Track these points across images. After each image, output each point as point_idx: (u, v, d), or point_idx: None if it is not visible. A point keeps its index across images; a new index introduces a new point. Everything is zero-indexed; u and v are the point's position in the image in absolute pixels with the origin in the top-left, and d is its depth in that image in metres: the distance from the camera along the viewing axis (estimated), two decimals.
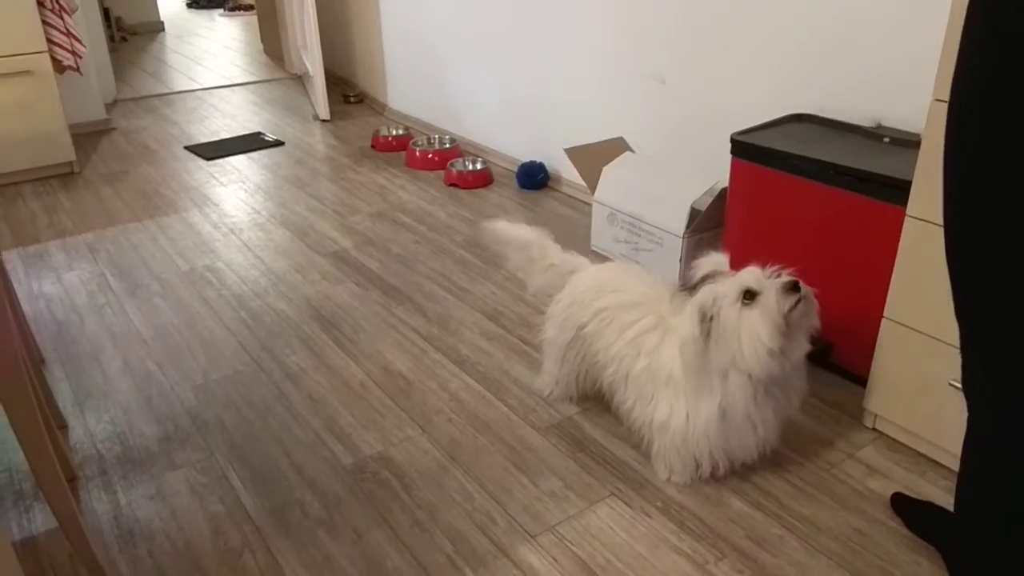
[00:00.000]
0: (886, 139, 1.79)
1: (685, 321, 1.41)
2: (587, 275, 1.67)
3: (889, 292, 1.50)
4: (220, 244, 2.59)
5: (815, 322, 1.38)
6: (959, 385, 1.40)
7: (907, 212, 1.43)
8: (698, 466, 1.50)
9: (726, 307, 1.36)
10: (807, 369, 1.45)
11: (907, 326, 1.49)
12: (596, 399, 1.74)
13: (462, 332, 2.06)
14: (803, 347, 1.38)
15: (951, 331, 1.42)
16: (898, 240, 1.46)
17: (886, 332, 1.53)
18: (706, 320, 1.37)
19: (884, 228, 1.61)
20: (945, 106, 1.32)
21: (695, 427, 1.43)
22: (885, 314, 1.52)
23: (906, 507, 1.43)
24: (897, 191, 1.53)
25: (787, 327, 1.33)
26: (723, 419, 1.41)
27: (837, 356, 1.82)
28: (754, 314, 1.33)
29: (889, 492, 1.48)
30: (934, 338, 1.45)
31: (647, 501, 1.48)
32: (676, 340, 1.44)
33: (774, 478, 1.53)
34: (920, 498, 1.44)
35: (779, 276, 1.36)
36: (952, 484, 1.50)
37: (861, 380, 1.69)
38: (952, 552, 1.30)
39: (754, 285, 1.35)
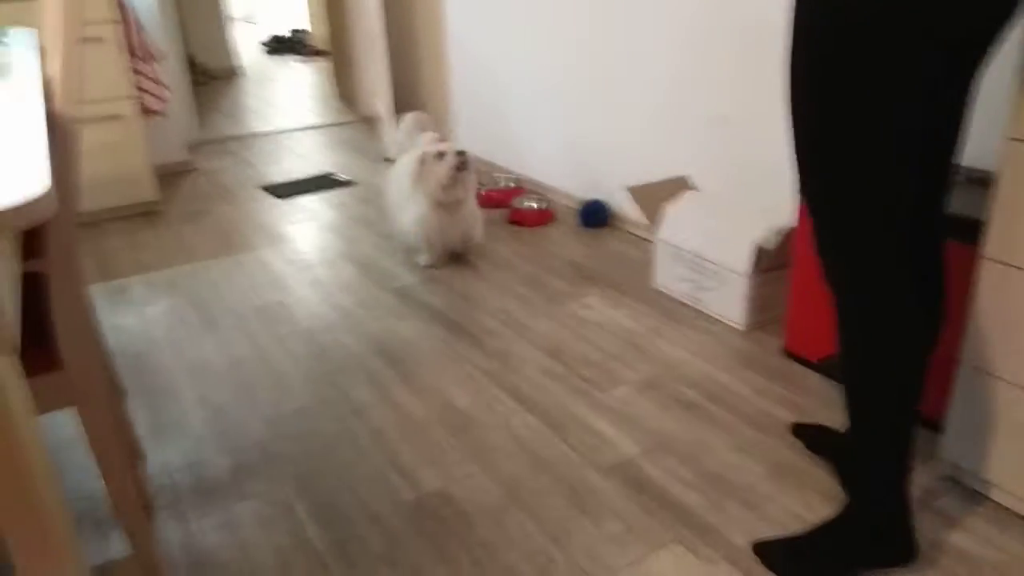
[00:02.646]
0: (958, 176, 1.74)
1: (408, 163, 2.65)
2: (415, 150, 2.67)
3: (965, 336, 1.45)
4: (292, 280, 2.68)
5: (472, 178, 2.64)
6: None
7: (983, 253, 1.39)
8: (428, 249, 2.69)
9: (428, 159, 2.57)
10: (482, 213, 2.77)
11: (986, 371, 1.43)
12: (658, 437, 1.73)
13: (523, 369, 2.07)
14: (465, 189, 2.61)
15: None
16: (968, 280, 1.42)
17: (963, 378, 1.48)
18: (420, 164, 2.57)
19: (956, 268, 1.56)
20: (1018, 144, 1.29)
21: (414, 225, 2.65)
22: (962, 359, 1.47)
23: (804, 430, 1.73)
24: (969, 230, 1.49)
25: (454, 175, 2.54)
26: (423, 220, 2.62)
27: None
28: (440, 164, 2.54)
29: (968, 545, 1.42)
30: (1016, 385, 1.39)
31: (712, 549, 1.45)
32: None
33: None
34: (813, 422, 1.76)
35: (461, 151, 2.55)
36: None
37: (934, 426, 1.63)
38: (842, 463, 1.60)
39: (444, 149, 2.56)
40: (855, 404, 1.32)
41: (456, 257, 2.77)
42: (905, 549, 1.35)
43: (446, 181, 2.53)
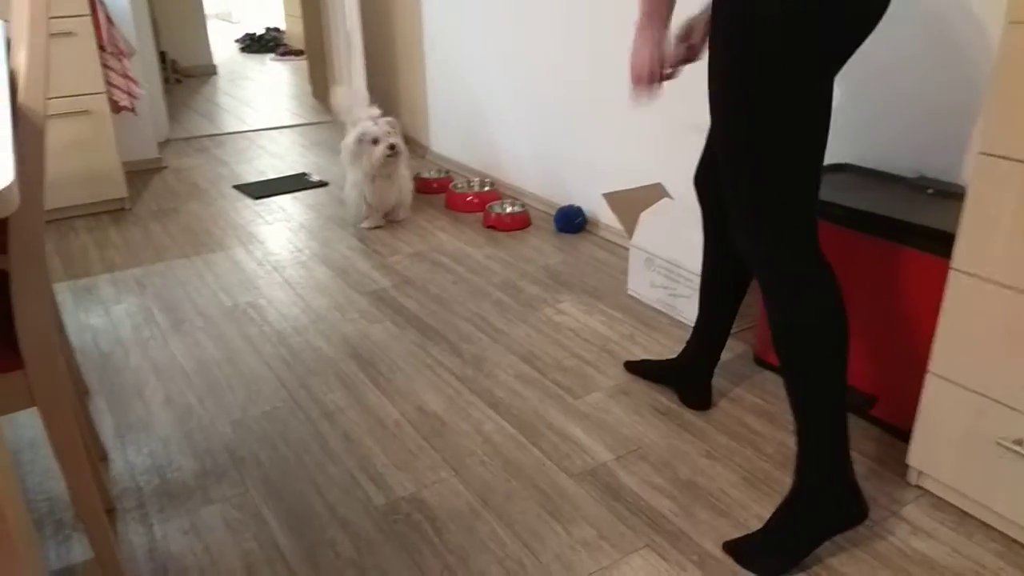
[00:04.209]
0: (929, 190, 1.77)
1: (350, 140, 2.99)
2: (357, 127, 3.01)
3: (933, 346, 1.47)
4: (263, 281, 2.64)
5: (404, 154, 3.00)
6: (1008, 444, 1.37)
7: (952, 265, 1.41)
8: (368, 213, 3.09)
9: (366, 142, 2.94)
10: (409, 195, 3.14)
11: (953, 381, 1.45)
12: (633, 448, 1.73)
13: (497, 374, 2.06)
14: (396, 164, 3.00)
15: (999, 388, 1.38)
16: (942, 292, 1.43)
17: (931, 387, 1.50)
18: (358, 142, 2.95)
19: (927, 280, 1.58)
20: (990, 159, 1.31)
21: (353, 191, 3.07)
22: (930, 368, 1.49)
23: (635, 367, 2.04)
24: (941, 243, 1.51)
25: (385, 158, 2.93)
26: (358, 186, 3.03)
27: (879, 410, 1.78)
28: (376, 148, 2.93)
29: (934, 552, 1.43)
30: (981, 395, 1.41)
31: (683, 554, 1.45)
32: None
33: None
34: (640, 359, 2.09)
35: (392, 136, 2.95)
36: (1003, 547, 1.44)
37: (904, 435, 1.65)
38: (675, 382, 1.95)
39: (379, 136, 2.93)
40: (796, 382, 1.38)
41: (394, 223, 3.19)
42: (861, 508, 1.41)
43: (379, 163, 2.94)
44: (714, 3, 1.27)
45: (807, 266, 1.34)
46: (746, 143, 1.30)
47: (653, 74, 1.49)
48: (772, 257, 1.35)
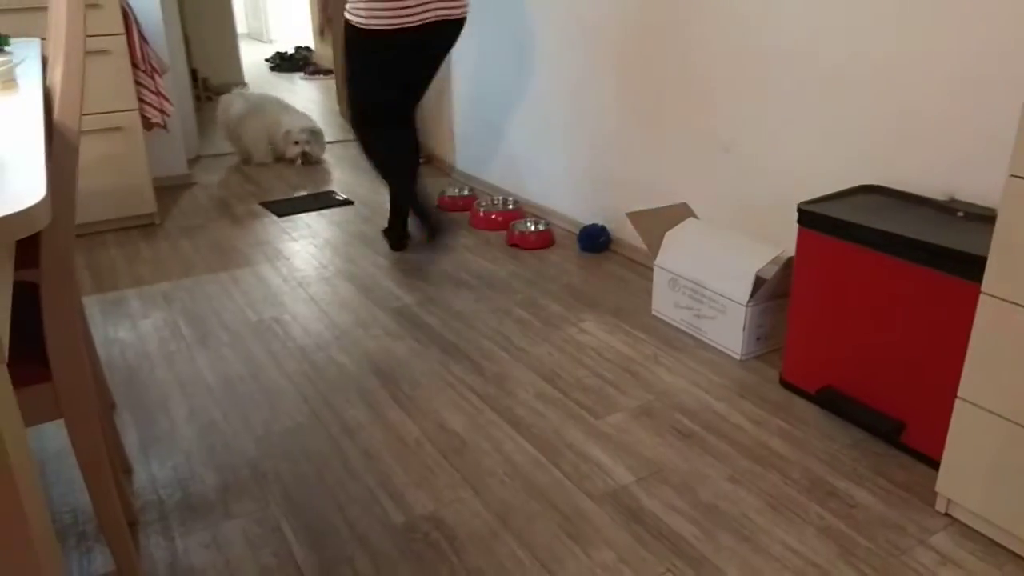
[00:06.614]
0: (960, 213, 1.74)
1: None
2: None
3: (963, 372, 1.44)
4: (288, 297, 2.67)
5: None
6: None
7: (982, 289, 1.38)
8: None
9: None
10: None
11: (983, 408, 1.42)
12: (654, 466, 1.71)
13: (518, 393, 2.05)
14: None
15: None
16: (972, 317, 1.41)
17: (960, 413, 1.47)
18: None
19: (957, 304, 1.56)
20: (1019, 182, 1.29)
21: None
22: (959, 394, 1.46)
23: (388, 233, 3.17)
24: (972, 267, 1.49)
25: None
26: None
27: (908, 436, 1.74)
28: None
29: None
30: (1012, 422, 1.38)
31: None
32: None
33: (841, 563, 1.46)
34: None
35: None
36: None
37: (934, 462, 1.62)
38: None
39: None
40: (379, 175, 2.88)
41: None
42: (400, 242, 3.03)
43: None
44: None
45: (377, 134, 2.81)
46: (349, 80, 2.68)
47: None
48: (364, 132, 2.84)
